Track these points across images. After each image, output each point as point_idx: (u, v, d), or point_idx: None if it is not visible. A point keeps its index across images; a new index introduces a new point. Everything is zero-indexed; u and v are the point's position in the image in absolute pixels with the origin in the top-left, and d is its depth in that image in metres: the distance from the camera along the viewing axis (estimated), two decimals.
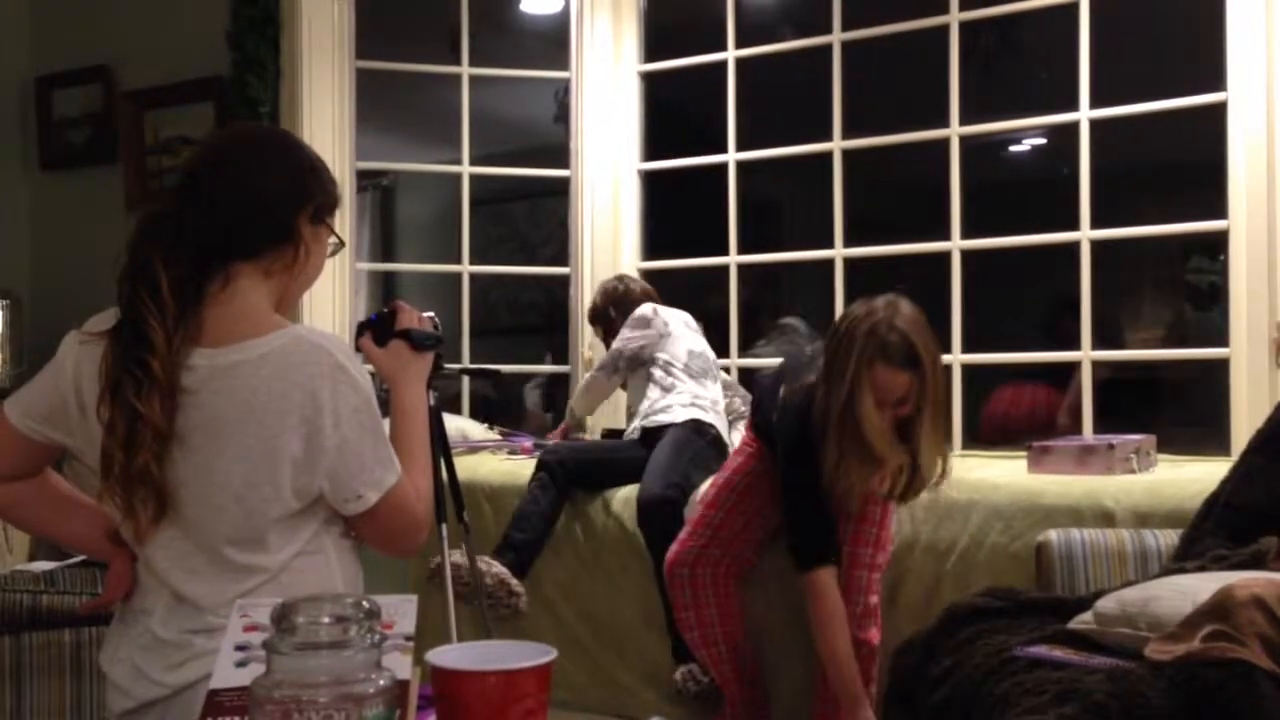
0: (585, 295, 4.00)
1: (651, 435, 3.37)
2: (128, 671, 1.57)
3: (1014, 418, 4.17)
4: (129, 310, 1.53)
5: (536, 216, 6.48)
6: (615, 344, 3.60)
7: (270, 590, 1.53)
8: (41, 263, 4.38)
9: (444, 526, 2.95)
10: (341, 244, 1.75)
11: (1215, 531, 2.27)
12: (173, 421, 1.51)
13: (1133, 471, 2.90)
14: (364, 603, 0.96)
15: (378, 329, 1.78)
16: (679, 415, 3.37)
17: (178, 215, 1.59)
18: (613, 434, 3.78)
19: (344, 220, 3.77)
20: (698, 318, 3.71)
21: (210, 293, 1.57)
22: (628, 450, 3.43)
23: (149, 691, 1.54)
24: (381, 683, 0.93)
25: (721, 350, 3.97)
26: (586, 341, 4.08)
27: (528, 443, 3.81)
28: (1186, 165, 3.72)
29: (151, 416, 1.49)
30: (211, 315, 1.56)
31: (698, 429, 3.34)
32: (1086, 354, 3.40)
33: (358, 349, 1.76)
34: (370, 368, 1.71)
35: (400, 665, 1.12)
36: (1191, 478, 2.72)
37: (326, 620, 0.93)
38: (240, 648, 1.18)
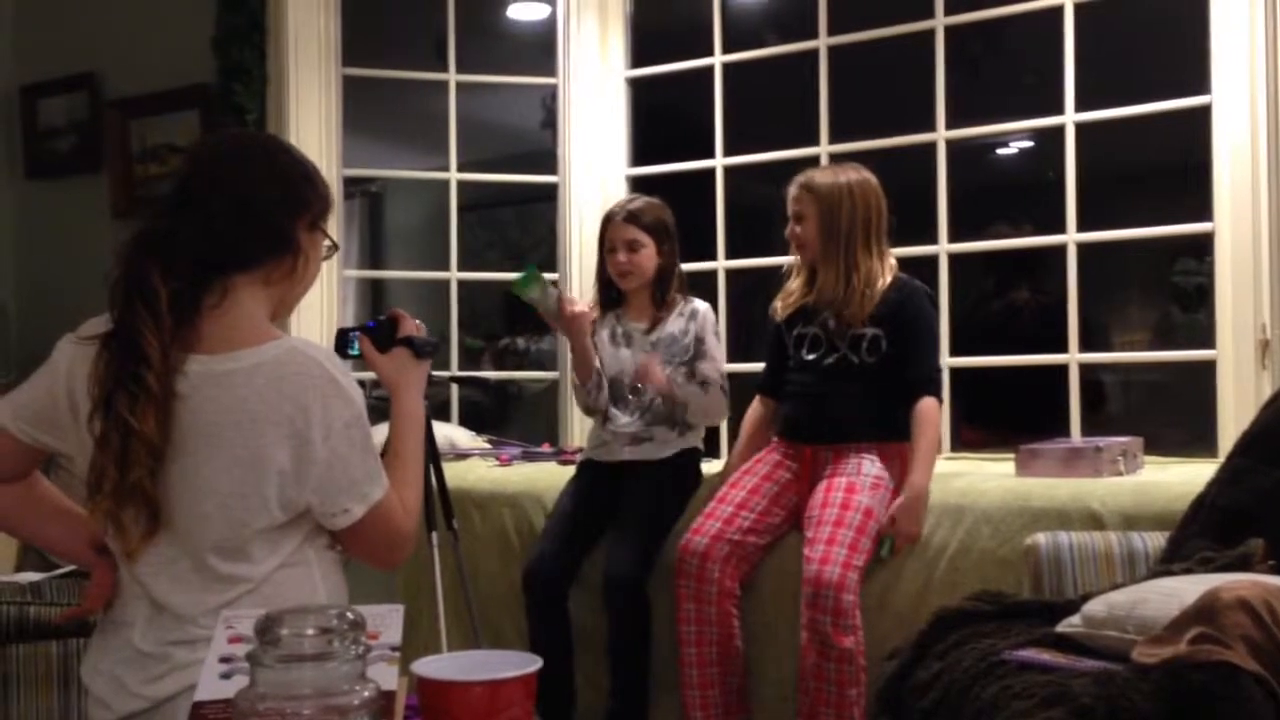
0: None
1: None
2: (108, 684, 1.56)
3: None
4: (123, 322, 1.52)
5: (525, 222, 6.48)
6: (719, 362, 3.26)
7: (252, 601, 1.52)
8: (27, 271, 4.37)
9: (434, 534, 2.95)
10: (335, 247, 1.75)
11: (1202, 533, 2.28)
12: (168, 435, 1.51)
13: (1120, 474, 2.91)
14: (349, 614, 0.96)
15: (377, 336, 1.78)
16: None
17: (172, 229, 1.58)
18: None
19: (333, 227, 3.75)
20: None
21: (207, 305, 1.57)
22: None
23: (128, 704, 1.54)
24: (366, 694, 0.92)
25: None
26: None
27: (515, 450, 3.79)
28: (1172, 168, 3.73)
29: (146, 431, 1.48)
30: (209, 325, 1.56)
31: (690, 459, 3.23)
32: (1074, 356, 3.41)
33: (343, 356, 1.75)
34: (359, 374, 1.71)
35: (386, 676, 1.12)
36: (1178, 480, 2.73)
37: (310, 632, 0.92)
38: (225, 659, 1.18)
